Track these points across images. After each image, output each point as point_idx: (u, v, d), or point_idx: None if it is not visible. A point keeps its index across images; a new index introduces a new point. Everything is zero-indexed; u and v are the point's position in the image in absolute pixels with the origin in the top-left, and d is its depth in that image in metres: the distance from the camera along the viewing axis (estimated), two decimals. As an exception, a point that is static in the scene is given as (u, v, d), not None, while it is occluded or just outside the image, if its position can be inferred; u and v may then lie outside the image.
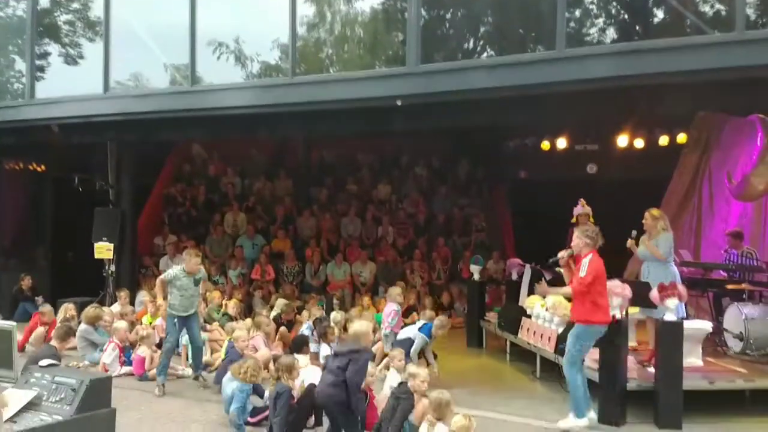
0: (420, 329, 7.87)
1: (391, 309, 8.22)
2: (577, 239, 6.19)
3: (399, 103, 8.21)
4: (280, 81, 9.02)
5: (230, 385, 6.33)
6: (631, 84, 7.11)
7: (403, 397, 5.36)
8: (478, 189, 14.21)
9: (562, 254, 6.27)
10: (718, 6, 7.30)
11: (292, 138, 13.49)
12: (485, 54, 13.23)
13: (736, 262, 8.77)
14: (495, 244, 13.00)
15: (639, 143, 11.66)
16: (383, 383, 6.47)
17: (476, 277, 10.22)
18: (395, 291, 8.42)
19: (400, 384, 5.60)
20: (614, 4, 8.80)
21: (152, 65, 10.31)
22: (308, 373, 6.36)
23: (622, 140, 11.64)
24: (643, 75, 6.89)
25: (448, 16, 13.14)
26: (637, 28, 9.42)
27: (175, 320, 7.43)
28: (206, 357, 8.40)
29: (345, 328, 8.55)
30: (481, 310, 10.21)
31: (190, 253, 7.58)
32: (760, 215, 9.55)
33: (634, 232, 7.58)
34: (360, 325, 5.77)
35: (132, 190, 11.60)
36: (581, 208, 8.96)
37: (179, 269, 7.48)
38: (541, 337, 8.04)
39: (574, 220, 8.86)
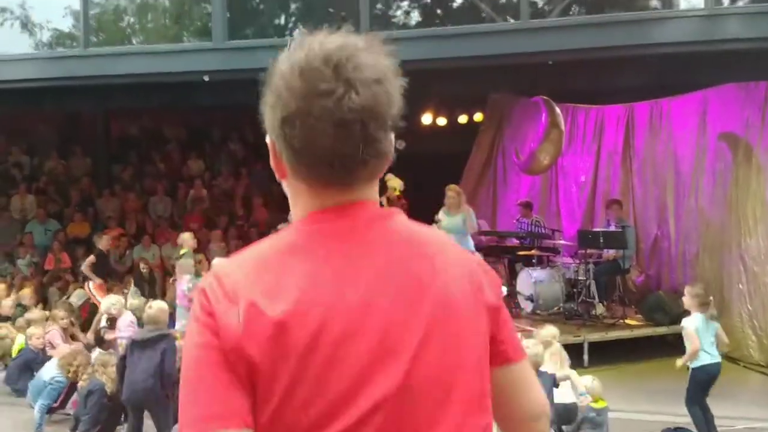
0: None
1: (183, 281, 7.76)
2: None
3: (206, 78, 7.91)
4: (71, 52, 8.25)
5: (48, 372, 5.88)
6: (432, 67, 7.48)
7: None
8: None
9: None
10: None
11: (87, 111, 12.41)
12: (297, 31, 13.12)
13: (526, 230, 9.68)
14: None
15: (442, 121, 12.33)
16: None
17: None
18: (187, 263, 7.94)
19: None
20: (408, 17, 9.18)
21: None
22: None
23: (426, 118, 12.23)
24: (444, 59, 7.28)
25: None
26: (439, 11, 9.89)
27: None
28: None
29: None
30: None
31: None
32: (547, 186, 10.60)
33: (437, 217, 8.09)
34: (157, 304, 5.52)
35: None
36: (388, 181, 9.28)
37: None
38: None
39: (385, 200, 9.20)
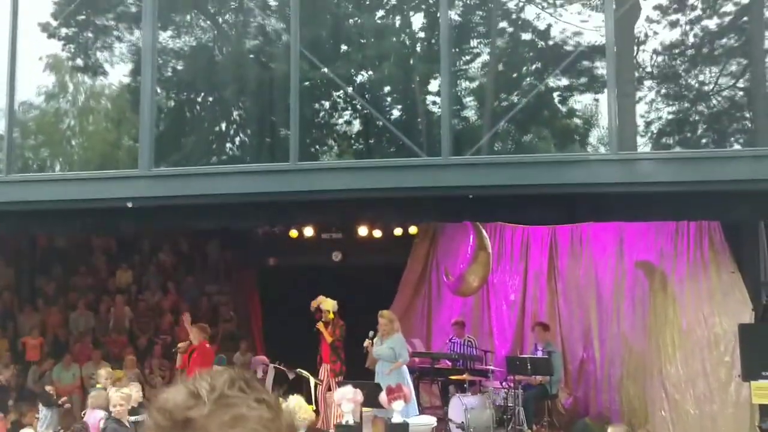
0: None
1: (96, 419, 7.19)
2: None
3: (130, 205, 7.83)
4: (-7, 177, 8.08)
5: None
6: (360, 196, 7.63)
7: None
8: (227, 274, 13.94)
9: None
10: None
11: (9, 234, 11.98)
12: (236, 142, 13.30)
13: (459, 350, 9.67)
14: (244, 335, 12.78)
15: (377, 233, 12.48)
16: None
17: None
18: (100, 396, 7.27)
19: None
20: (350, 126, 9.49)
21: None
22: None
23: (362, 230, 12.35)
24: (370, 189, 7.44)
25: (199, 99, 13.04)
26: (379, 123, 10.19)
27: None
28: None
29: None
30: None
31: None
32: (479, 304, 10.69)
33: (371, 333, 8.02)
34: None
35: None
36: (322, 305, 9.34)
37: None
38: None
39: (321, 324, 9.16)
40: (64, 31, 11.57)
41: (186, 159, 10.78)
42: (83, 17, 11.50)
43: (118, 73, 12.41)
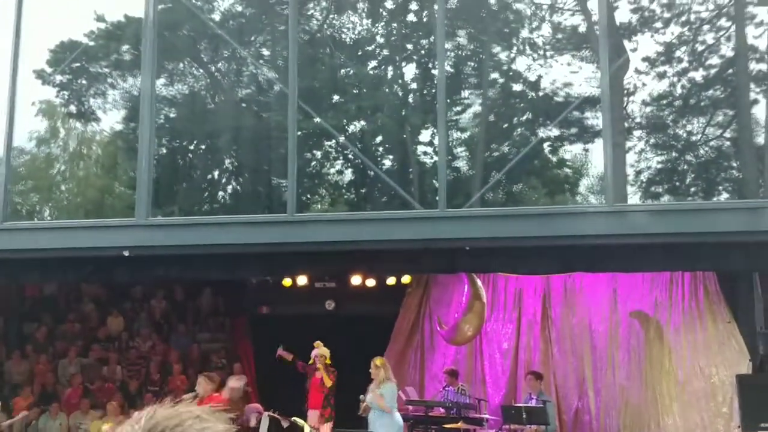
0: None
1: None
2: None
3: (126, 254, 7.81)
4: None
5: None
6: (354, 248, 7.67)
7: None
8: (219, 322, 13.78)
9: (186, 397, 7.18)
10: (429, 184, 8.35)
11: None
12: (228, 190, 13.37)
13: (452, 398, 9.59)
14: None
15: (371, 282, 12.45)
16: None
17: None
18: None
19: None
20: (342, 175, 9.58)
21: None
22: None
23: (356, 279, 12.33)
24: (364, 241, 7.48)
25: (191, 147, 13.12)
26: (371, 173, 10.30)
27: None
28: None
29: None
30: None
31: None
32: (472, 352, 10.64)
33: (362, 396, 7.97)
34: None
35: None
36: (317, 350, 9.43)
37: None
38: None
39: (311, 362, 9.26)
40: (58, 78, 11.66)
41: (179, 206, 10.80)
42: (78, 65, 11.60)
43: (110, 120, 12.50)
